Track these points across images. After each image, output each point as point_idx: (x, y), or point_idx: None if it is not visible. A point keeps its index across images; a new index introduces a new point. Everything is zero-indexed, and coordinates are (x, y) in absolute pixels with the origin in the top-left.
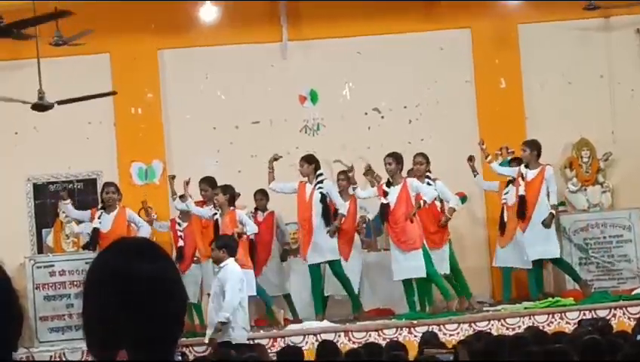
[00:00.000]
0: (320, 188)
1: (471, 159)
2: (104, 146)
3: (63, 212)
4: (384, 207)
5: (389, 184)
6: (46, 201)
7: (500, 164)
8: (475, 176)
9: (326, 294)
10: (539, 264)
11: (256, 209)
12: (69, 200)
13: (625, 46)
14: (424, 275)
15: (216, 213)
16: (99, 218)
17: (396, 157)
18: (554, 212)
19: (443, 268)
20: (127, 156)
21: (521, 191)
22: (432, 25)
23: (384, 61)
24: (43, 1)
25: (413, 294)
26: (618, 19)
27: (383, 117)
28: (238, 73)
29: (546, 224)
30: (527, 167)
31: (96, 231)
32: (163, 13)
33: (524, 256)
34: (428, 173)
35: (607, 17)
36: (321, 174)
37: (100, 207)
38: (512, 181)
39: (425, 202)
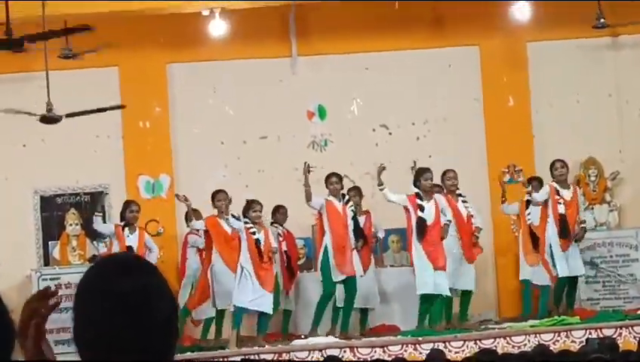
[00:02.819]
0: (351, 206)
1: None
2: (112, 159)
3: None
4: (422, 222)
5: (420, 198)
6: (53, 214)
7: (507, 182)
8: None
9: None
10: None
11: (274, 223)
12: (101, 214)
13: (634, 65)
14: (448, 293)
15: (252, 227)
16: (128, 236)
17: (432, 172)
18: (586, 226)
19: (467, 283)
20: (134, 170)
21: (562, 210)
22: (441, 42)
23: (392, 77)
24: (52, 2)
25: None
26: (627, 39)
27: (390, 133)
28: (247, 88)
29: (579, 239)
30: (561, 186)
31: (131, 249)
32: (172, 27)
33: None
34: (458, 189)
35: (615, 36)
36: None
37: (123, 224)
38: (530, 201)
39: (449, 221)
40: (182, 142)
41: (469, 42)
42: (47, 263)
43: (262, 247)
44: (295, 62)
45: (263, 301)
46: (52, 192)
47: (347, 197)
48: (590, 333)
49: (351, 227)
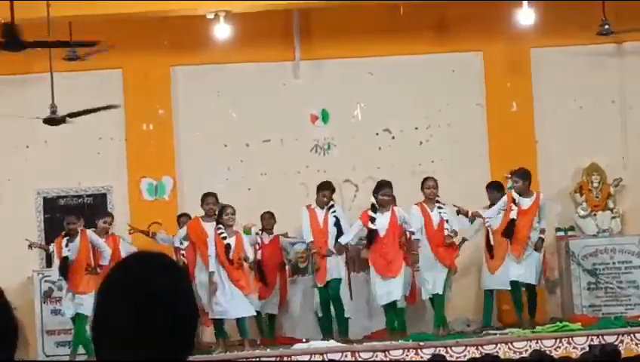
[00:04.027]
0: (333, 212)
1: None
2: (115, 161)
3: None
4: (372, 232)
5: (375, 210)
6: (55, 215)
7: (509, 188)
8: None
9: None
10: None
11: (262, 230)
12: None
13: (637, 71)
14: (398, 298)
15: (223, 232)
16: (66, 246)
17: (391, 186)
18: (543, 236)
19: (436, 287)
20: (137, 172)
21: (513, 215)
22: (445, 47)
23: (396, 82)
24: (56, 4)
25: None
26: (631, 45)
27: (393, 138)
28: (250, 91)
29: (538, 248)
30: (520, 194)
31: (65, 259)
32: (176, 30)
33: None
34: (437, 198)
35: (619, 43)
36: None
37: (64, 234)
38: (493, 205)
39: (413, 233)
40: (185, 144)
41: (473, 48)
42: (49, 265)
43: (231, 253)
44: (298, 66)
45: (240, 306)
46: (55, 194)
47: (331, 204)
48: (592, 340)
49: (333, 234)
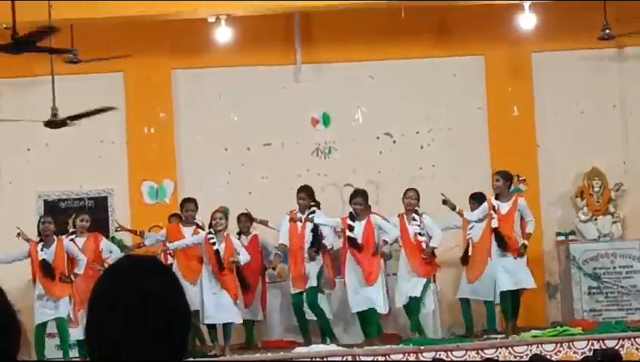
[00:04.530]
0: (313, 217)
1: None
2: (116, 165)
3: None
4: (352, 240)
5: (353, 218)
6: (56, 219)
7: (511, 192)
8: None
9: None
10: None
11: (239, 233)
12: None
13: (638, 76)
14: (382, 311)
15: (212, 238)
16: (42, 250)
17: (364, 195)
18: (527, 242)
19: (413, 291)
20: (138, 175)
21: (494, 224)
22: (446, 51)
23: (397, 86)
24: (58, 4)
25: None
26: (632, 50)
27: (394, 141)
28: (251, 94)
29: (521, 254)
30: (497, 198)
31: (46, 262)
32: (177, 33)
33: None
34: (417, 208)
35: (621, 48)
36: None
37: (38, 240)
38: None
39: (386, 242)
40: (186, 148)
41: (474, 52)
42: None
43: (222, 258)
44: (300, 70)
45: (228, 311)
46: (56, 197)
47: (312, 208)
48: (592, 344)
49: (309, 239)
